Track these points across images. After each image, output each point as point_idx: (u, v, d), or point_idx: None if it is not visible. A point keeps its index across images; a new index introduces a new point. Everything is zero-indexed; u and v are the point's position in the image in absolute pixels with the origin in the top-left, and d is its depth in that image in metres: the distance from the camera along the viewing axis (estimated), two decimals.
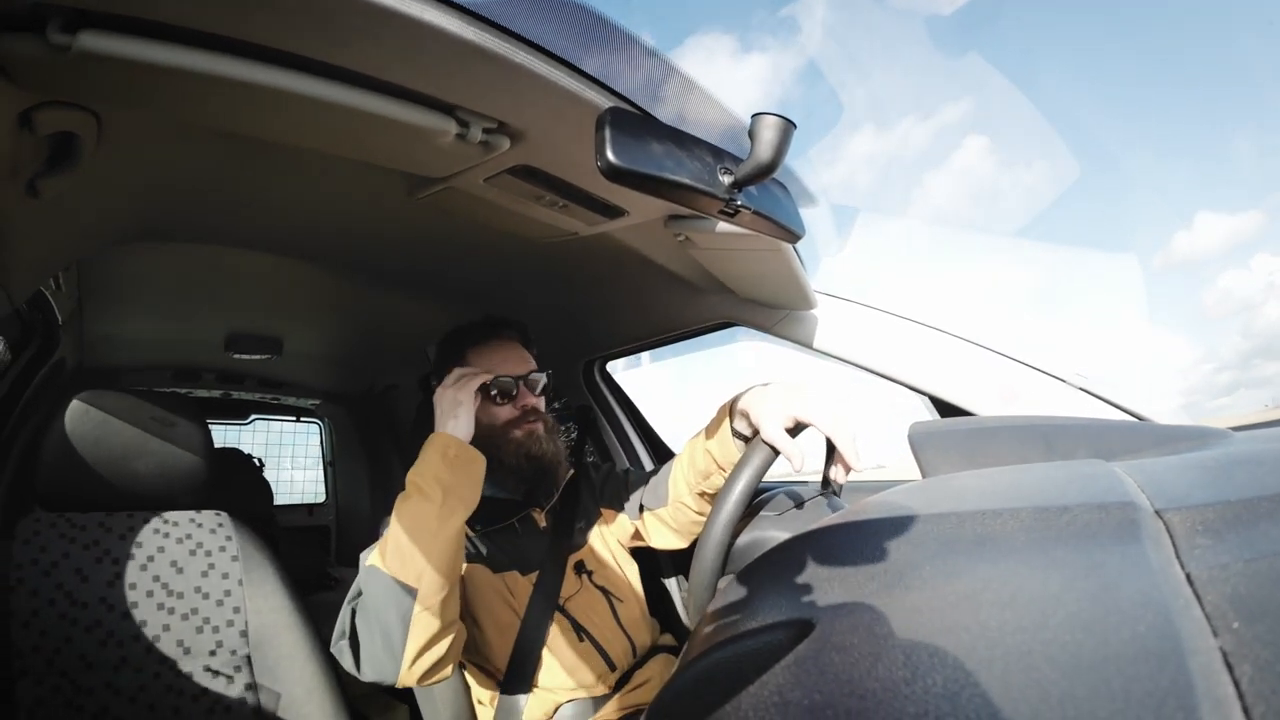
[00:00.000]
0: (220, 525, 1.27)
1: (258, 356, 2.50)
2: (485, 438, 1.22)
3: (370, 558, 1.00)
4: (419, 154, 0.87)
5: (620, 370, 2.05)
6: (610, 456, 1.97)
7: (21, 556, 1.08)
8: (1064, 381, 1.15)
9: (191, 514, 1.27)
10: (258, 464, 3.15)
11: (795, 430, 0.93)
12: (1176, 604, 0.33)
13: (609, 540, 1.34)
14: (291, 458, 3.75)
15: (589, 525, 1.33)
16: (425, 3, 0.60)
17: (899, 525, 0.52)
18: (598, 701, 1.14)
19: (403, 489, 1.02)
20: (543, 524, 1.29)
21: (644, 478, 1.33)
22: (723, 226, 1.10)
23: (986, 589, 0.40)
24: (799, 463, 0.90)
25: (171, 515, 1.24)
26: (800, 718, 0.36)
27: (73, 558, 1.11)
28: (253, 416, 3.49)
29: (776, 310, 1.40)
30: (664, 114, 0.80)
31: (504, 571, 1.19)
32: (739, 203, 0.75)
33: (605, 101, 0.76)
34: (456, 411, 1.07)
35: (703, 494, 1.15)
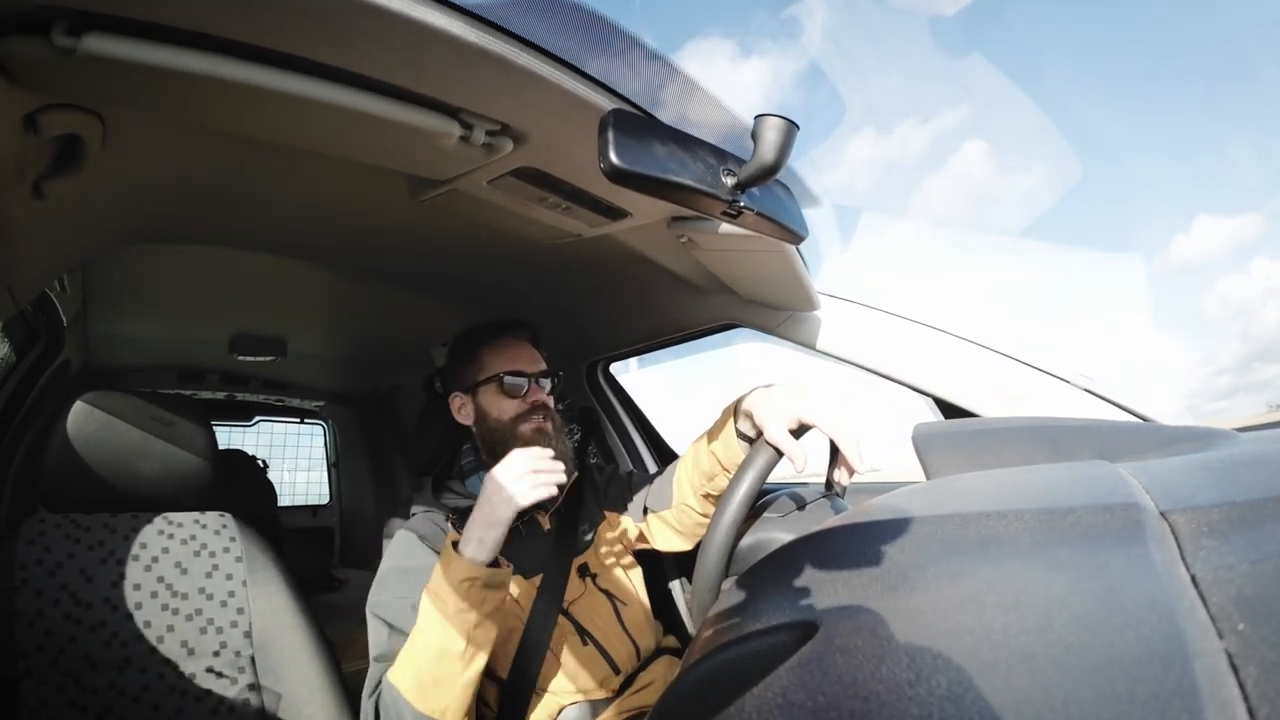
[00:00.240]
0: (224, 526, 1.28)
1: (262, 358, 2.51)
2: (494, 432, 1.24)
3: (390, 674, 0.99)
4: (422, 156, 0.87)
5: (624, 372, 2.05)
6: (614, 458, 1.97)
7: (26, 557, 1.08)
8: (1068, 383, 1.15)
9: (196, 515, 1.27)
10: (262, 465, 3.15)
11: (799, 431, 0.93)
12: (1181, 606, 0.32)
13: (613, 543, 1.34)
14: (295, 459, 3.75)
15: (593, 528, 1.33)
16: (428, 6, 0.60)
17: (903, 527, 0.52)
18: (601, 704, 1.14)
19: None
20: (546, 527, 1.29)
21: (648, 480, 1.33)
22: (726, 228, 1.10)
23: (991, 591, 0.40)
24: (802, 464, 0.90)
25: (176, 516, 1.25)
26: (804, 719, 0.36)
27: (77, 558, 1.11)
28: (256, 418, 3.50)
29: (780, 311, 1.40)
30: (667, 116, 0.80)
31: None
32: (742, 204, 0.75)
33: (608, 103, 0.76)
34: (489, 531, 0.99)
35: (707, 495, 1.15)
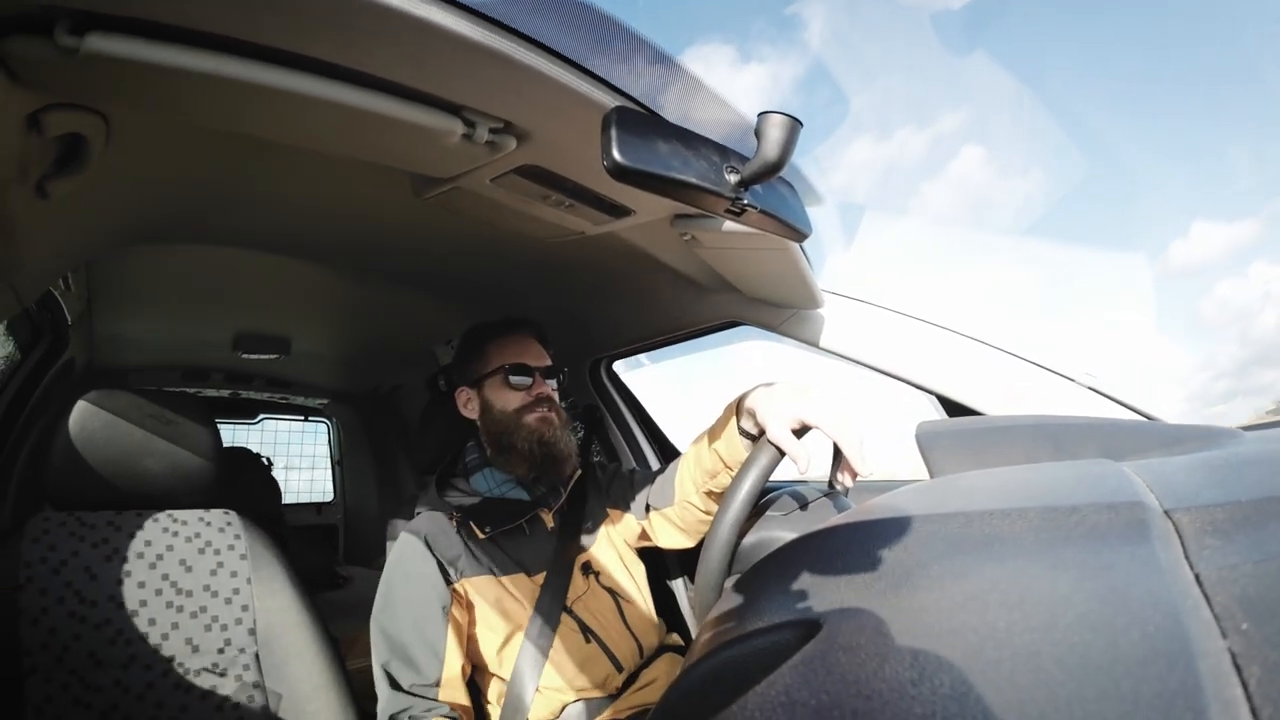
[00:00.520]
0: (229, 524, 1.28)
1: (265, 356, 2.52)
2: (499, 424, 1.26)
3: None
4: (426, 154, 0.87)
5: (627, 370, 2.05)
6: (617, 456, 1.97)
7: (31, 555, 1.08)
8: (1072, 381, 1.14)
9: (200, 513, 1.27)
10: (266, 463, 3.16)
11: (801, 431, 0.92)
12: (1185, 605, 0.32)
13: (616, 541, 1.34)
14: (299, 456, 3.76)
15: (596, 526, 1.33)
16: (431, 3, 0.60)
17: (906, 525, 0.52)
18: (604, 702, 1.14)
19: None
20: (550, 525, 1.29)
21: (650, 477, 1.33)
22: (729, 225, 1.10)
23: (994, 589, 0.40)
24: (804, 465, 0.89)
25: (180, 514, 1.25)
26: (807, 718, 0.36)
27: (82, 556, 1.11)
28: (261, 416, 3.51)
29: (783, 309, 1.40)
30: (670, 113, 0.80)
31: (511, 574, 1.20)
32: (745, 202, 0.75)
33: (611, 101, 0.75)
34: None
35: (709, 493, 1.15)
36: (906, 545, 0.50)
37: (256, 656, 1.18)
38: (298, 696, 1.17)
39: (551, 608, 1.18)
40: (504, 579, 1.19)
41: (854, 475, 0.90)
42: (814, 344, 1.37)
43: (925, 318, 1.28)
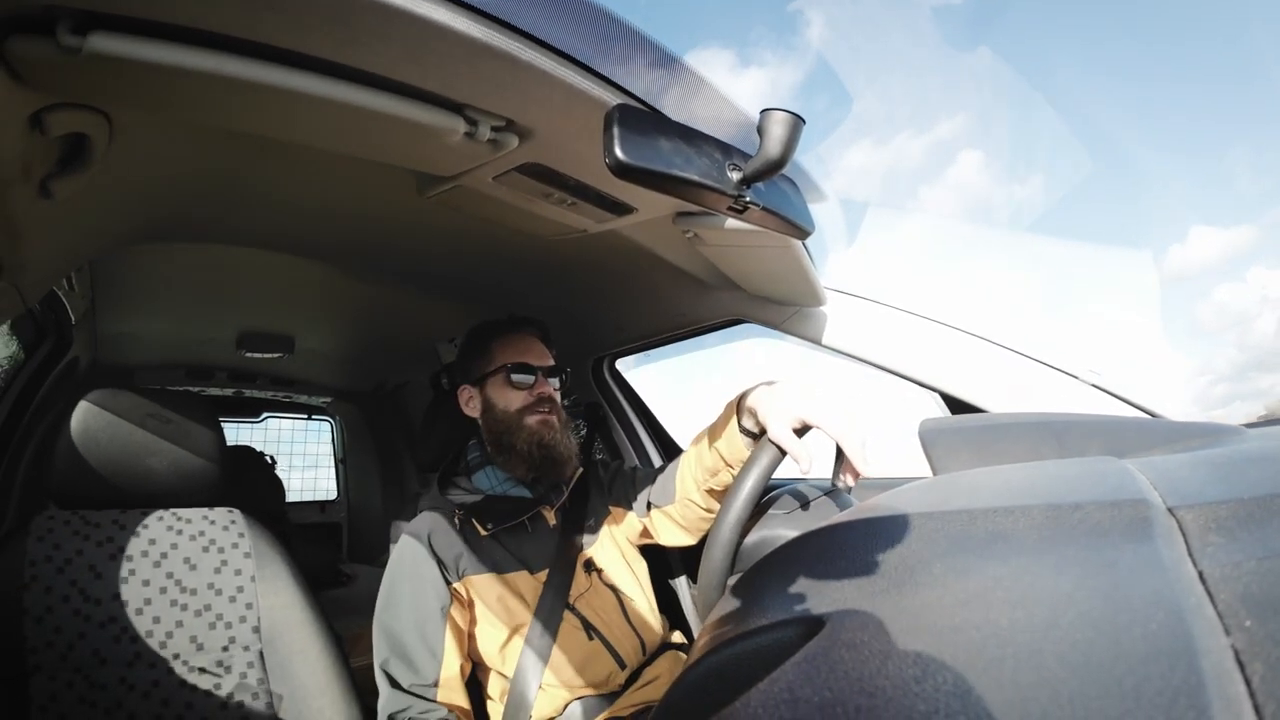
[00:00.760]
0: (233, 522, 1.28)
1: (269, 355, 2.52)
2: (500, 423, 1.26)
3: None
4: (428, 153, 0.87)
5: (629, 368, 2.05)
6: (619, 454, 1.97)
7: (36, 553, 1.09)
8: (1076, 378, 1.14)
9: (204, 511, 1.28)
10: (270, 461, 3.17)
11: (802, 430, 0.92)
12: (1188, 602, 0.32)
13: (618, 538, 1.34)
14: (303, 455, 3.77)
15: (598, 523, 1.33)
16: (434, 2, 0.60)
17: (909, 522, 0.52)
18: (607, 699, 1.14)
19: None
20: (552, 522, 1.29)
21: (651, 475, 1.33)
22: (732, 223, 1.10)
23: (997, 587, 0.40)
24: (806, 464, 0.89)
25: (184, 512, 1.25)
26: (810, 715, 0.36)
27: (86, 554, 1.12)
28: (265, 414, 3.52)
29: (786, 307, 1.40)
30: (672, 111, 0.80)
31: (513, 572, 1.20)
32: (748, 199, 0.75)
33: (613, 98, 0.75)
34: None
35: (710, 491, 1.15)
36: (909, 543, 0.50)
37: (260, 654, 1.18)
38: (302, 694, 1.18)
39: (554, 605, 1.18)
40: (506, 576, 1.19)
41: (856, 476, 0.89)
42: (817, 341, 1.36)
43: (928, 315, 1.28)
